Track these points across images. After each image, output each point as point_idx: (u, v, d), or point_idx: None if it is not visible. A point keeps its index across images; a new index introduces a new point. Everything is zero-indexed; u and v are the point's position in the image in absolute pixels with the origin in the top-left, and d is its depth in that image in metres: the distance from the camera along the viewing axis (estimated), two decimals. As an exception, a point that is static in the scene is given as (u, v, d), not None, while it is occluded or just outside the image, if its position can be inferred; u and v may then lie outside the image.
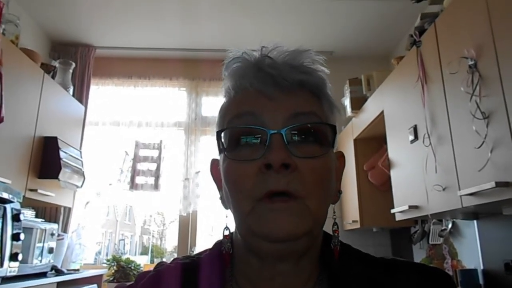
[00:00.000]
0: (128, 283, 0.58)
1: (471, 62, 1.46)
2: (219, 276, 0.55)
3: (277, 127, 0.48)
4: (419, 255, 2.77)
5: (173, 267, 0.57)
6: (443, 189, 1.70)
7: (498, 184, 1.29)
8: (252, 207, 0.48)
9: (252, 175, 0.48)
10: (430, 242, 2.58)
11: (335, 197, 0.54)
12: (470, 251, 2.18)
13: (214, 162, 0.59)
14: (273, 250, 0.48)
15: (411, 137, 2.00)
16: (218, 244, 0.58)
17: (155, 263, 0.72)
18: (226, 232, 0.56)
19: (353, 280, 0.52)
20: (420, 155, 1.90)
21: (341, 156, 0.57)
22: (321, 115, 0.52)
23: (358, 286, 0.52)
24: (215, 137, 0.53)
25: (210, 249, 0.59)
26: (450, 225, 2.36)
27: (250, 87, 0.52)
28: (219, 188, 0.57)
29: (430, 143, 1.80)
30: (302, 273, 0.52)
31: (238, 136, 0.50)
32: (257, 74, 0.51)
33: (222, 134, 0.52)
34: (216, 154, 0.58)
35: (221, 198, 0.57)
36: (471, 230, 2.17)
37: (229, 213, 0.54)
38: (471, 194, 1.47)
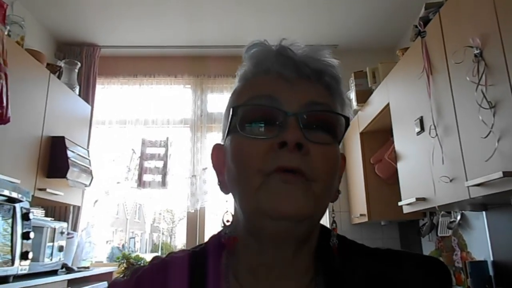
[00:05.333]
0: (124, 278, 0.58)
1: (476, 51, 1.44)
2: (217, 266, 0.55)
3: (294, 110, 0.49)
4: (428, 247, 2.76)
5: (168, 261, 0.57)
6: (450, 181, 1.68)
7: (506, 174, 1.27)
8: (261, 182, 0.48)
9: (264, 152, 0.48)
10: (439, 235, 2.56)
11: (334, 196, 0.55)
12: (480, 242, 2.16)
13: (216, 147, 0.59)
14: (276, 230, 0.48)
15: (417, 129, 1.99)
16: (214, 237, 0.59)
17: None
18: (228, 217, 0.56)
19: (350, 271, 0.53)
20: (427, 146, 1.88)
21: (342, 158, 0.58)
22: (334, 109, 0.52)
23: (355, 277, 0.52)
24: (224, 119, 0.54)
25: (205, 243, 0.60)
26: (458, 217, 2.34)
27: (271, 69, 0.52)
28: (219, 172, 0.57)
29: (437, 134, 1.79)
30: (300, 263, 0.52)
31: (253, 114, 0.51)
32: (279, 58, 0.52)
33: (238, 111, 0.51)
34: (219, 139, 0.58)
35: (219, 183, 0.57)
36: (480, 221, 2.15)
37: (228, 197, 0.54)
38: (478, 185, 1.45)
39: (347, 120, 0.52)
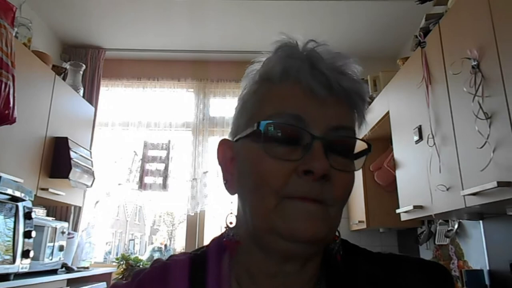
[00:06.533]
0: (124, 281, 0.58)
1: (474, 63, 1.47)
2: (218, 269, 0.55)
3: (320, 133, 0.47)
4: (425, 255, 2.77)
5: (170, 264, 0.57)
6: (447, 189, 1.71)
7: (500, 184, 1.29)
8: (276, 203, 0.47)
9: (285, 175, 0.47)
10: (436, 243, 2.58)
11: None
12: (476, 251, 2.18)
13: (224, 143, 0.56)
14: (288, 250, 0.48)
15: (416, 138, 2.01)
16: (215, 239, 0.59)
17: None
18: (232, 219, 0.55)
19: (352, 275, 0.53)
20: (425, 155, 1.91)
21: None
22: (356, 130, 0.52)
23: (357, 282, 0.52)
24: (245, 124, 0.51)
25: (207, 246, 0.59)
26: (456, 226, 2.35)
27: (302, 82, 0.49)
28: (225, 170, 0.55)
29: (434, 143, 1.81)
30: (305, 274, 0.52)
31: (278, 131, 0.48)
32: (312, 71, 0.49)
33: (262, 124, 0.48)
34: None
35: (225, 182, 0.55)
36: (477, 230, 2.16)
37: (233, 198, 0.54)
38: (474, 194, 1.47)
39: (370, 147, 0.52)
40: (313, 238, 0.46)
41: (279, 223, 0.47)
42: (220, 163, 0.56)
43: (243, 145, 0.52)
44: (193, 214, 3.27)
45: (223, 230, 0.59)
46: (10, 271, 1.86)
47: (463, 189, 1.56)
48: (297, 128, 0.48)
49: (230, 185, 0.55)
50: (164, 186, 3.33)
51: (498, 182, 1.29)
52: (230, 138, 0.57)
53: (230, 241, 0.54)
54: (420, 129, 1.98)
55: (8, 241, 1.88)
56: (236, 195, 0.55)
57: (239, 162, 0.52)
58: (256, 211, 0.49)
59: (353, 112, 0.52)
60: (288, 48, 0.52)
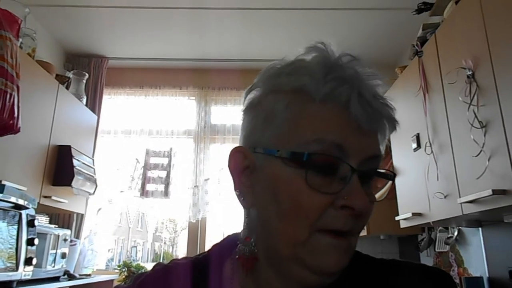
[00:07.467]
0: (126, 284, 0.59)
1: (469, 73, 1.49)
2: (220, 274, 0.55)
3: (356, 163, 0.46)
4: (426, 262, 2.75)
5: (171, 267, 0.58)
6: (445, 197, 1.72)
7: (495, 192, 1.31)
8: (307, 236, 0.46)
9: (323, 208, 0.45)
10: (436, 250, 2.58)
11: None
12: (476, 258, 2.19)
13: (239, 151, 0.52)
14: (311, 281, 0.47)
15: (414, 145, 2.03)
16: (217, 245, 0.59)
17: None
18: (245, 233, 0.53)
19: (355, 282, 0.53)
20: (423, 163, 1.93)
21: None
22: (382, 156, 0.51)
23: (359, 287, 0.53)
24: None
25: (208, 251, 0.59)
26: (456, 233, 2.36)
27: (350, 110, 0.46)
28: (239, 180, 0.52)
29: (432, 151, 1.83)
30: None
31: (317, 160, 0.45)
32: (360, 99, 0.46)
33: (301, 150, 0.46)
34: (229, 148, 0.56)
35: (239, 193, 0.52)
36: (477, 238, 2.17)
37: (239, 209, 0.53)
38: (470, 202, 1.49)
39: (394, 177, 0.52)
40: (338, 270, 0.47)
41: (308, 256, 0.46)
42: (231, 171, 0.53)
43: (270, 163, 0.48)
44: (194, 221, 3.29)
45: (224, 236, 0.60)
46: (13, 278, 1.88)
47: (460, 197, 1.58)
48: (339, 159, 0.45)
49: (246, 198, 0.52)
50: (165, 193, 3.35)
51: (493, 190, 1.31)
52: (243, 145, 0.53)
53: (246, 258, 0.52)
54: (418, 137, 2.00)
55: (11, 248, 1.90)
56: (241, 203, 0.54)
57: (261, 177, 0.50)
58: (283, 238, 0.47)
59: (383, 139, 0.50)
60: (330, 63, 0.49)
